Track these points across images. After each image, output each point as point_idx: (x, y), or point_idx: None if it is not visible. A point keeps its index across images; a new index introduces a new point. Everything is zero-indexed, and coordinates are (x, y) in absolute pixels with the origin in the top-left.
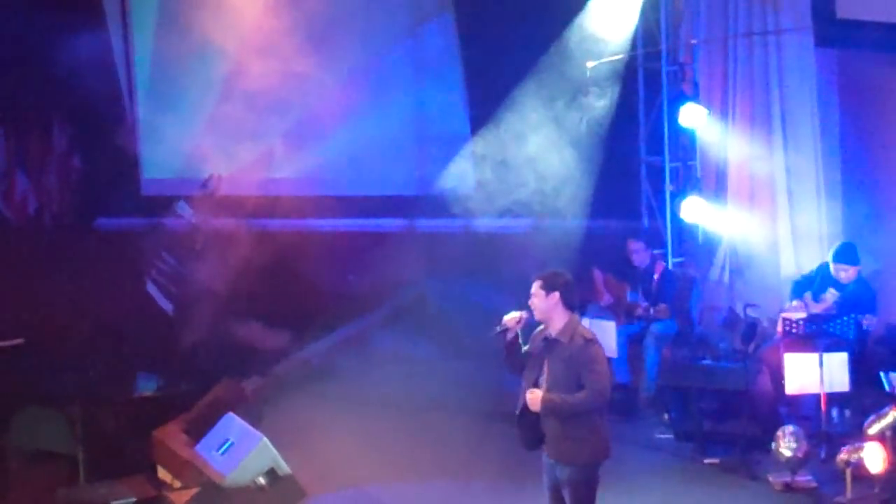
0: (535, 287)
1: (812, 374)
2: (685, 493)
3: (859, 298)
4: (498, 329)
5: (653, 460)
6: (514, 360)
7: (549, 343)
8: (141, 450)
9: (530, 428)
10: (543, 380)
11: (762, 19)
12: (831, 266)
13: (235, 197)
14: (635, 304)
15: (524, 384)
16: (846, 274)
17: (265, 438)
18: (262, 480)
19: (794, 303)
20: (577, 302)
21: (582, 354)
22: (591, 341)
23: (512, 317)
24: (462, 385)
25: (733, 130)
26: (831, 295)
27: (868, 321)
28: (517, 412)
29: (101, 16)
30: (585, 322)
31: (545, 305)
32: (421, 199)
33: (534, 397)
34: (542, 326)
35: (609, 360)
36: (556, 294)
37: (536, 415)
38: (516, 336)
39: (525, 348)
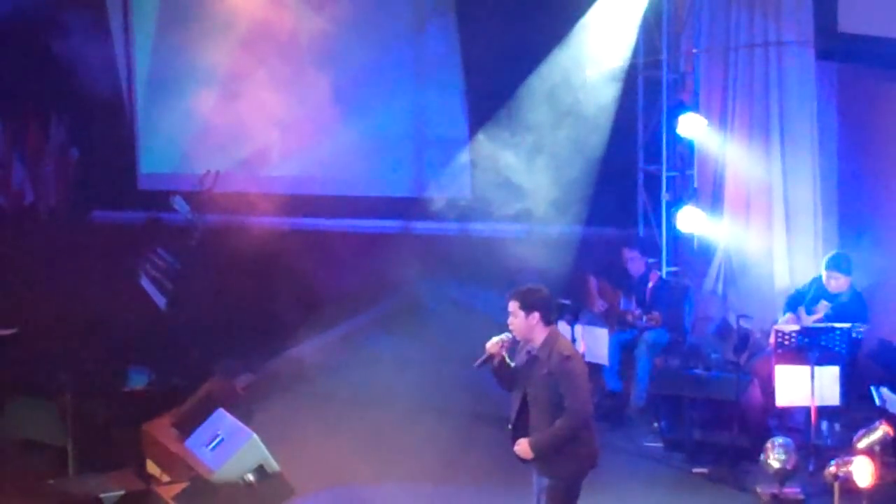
0: (513, 307)
1: (803, 386)
2: (673, 503)
3: (852, 310)
4: (481, 359)
5: (642, 469)
6: (506, 381)
7: (531, 358)
8: (131, 443)
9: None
10: (529, 395)
11: (763, 31)
12: (823, 274)
13: (232, 194)
14: (628, 311)
15: (514, 396)
16: (836, 283)
17: (255, 435)
18: (250, 477)
19: (787, 316)
20: (556, 315)
21: (559, 371)
22: (569, 357)
23: (494, 343)
24: (454, 387)
25: (732, 141)
26: (823, 306)
27: (858, 329)
28: (510, 426)
29: (103, 8)
30: (578, 329)
31: (525, 325)
32: (417, 202)
33: (522, 449)
34: (524, 342)
35: (600, 367)
36: (537, 314)
37: (528, 427)
38: (503, 359)
39: (513, 364)
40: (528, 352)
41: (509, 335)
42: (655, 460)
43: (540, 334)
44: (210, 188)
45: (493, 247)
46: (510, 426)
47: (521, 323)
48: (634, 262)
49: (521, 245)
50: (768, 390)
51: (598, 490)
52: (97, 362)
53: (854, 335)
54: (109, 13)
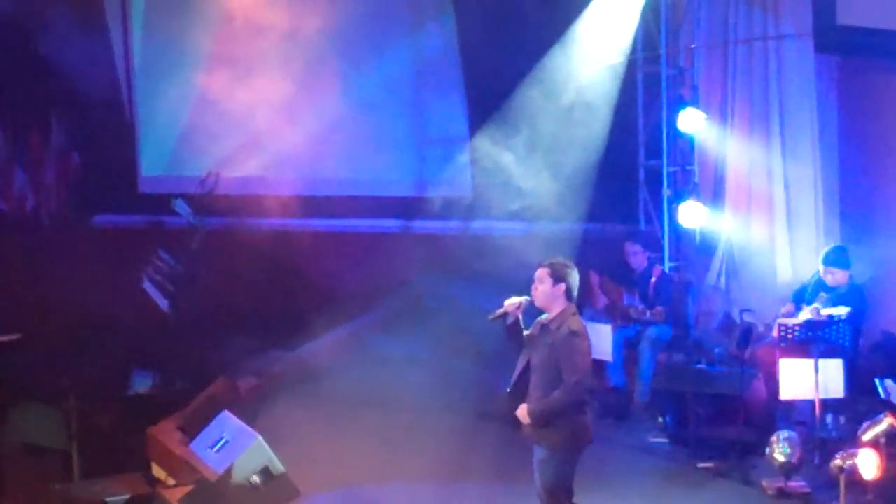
0: (542, 273)
1: (807, 380)
2: (679, 498)
3: (849, 303)
4: (497, 313)
5: (647, 464)
6: (516, 342)
7: (543, 328)
8: (136, 447)
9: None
10: (533, 362)
11: (762, 25)
12: (820, 269)
13: (233, 196)
14: (631, 306)
15: (519, 363)
16: (834, 277)
17: (260, 437)
18: (256, 479)
19: (788, 306)
20: (577, 294)
21: (563, 344)
22: (575, 333)
23: (512, 302)
24: (457, 385)
25: (732, 135)
26: (821, 298)
27: (840, 311)
28: (508, 390)
29: (101, 12)
30: None
31: (550, 294)
32: (418, 201)
33: (522, 413)
34: (546, 315)
35: (604, 363)
36: (563, 286)
37: (524, 394)
38: (517, 320)
39: (526, 332)
40: (543, 323)
41: (528, 298)
42: (660, 456)
43: (558, 306)
44: (211, 190)
45: (494, 245)
46: (508, 390)
47: (546, 290)
48: (637, 257)
49: (523, 242)
50: (771, 377)
51: (603, 485)
52: (101, 366)
53: (837, 317)
54: (108, 17)
